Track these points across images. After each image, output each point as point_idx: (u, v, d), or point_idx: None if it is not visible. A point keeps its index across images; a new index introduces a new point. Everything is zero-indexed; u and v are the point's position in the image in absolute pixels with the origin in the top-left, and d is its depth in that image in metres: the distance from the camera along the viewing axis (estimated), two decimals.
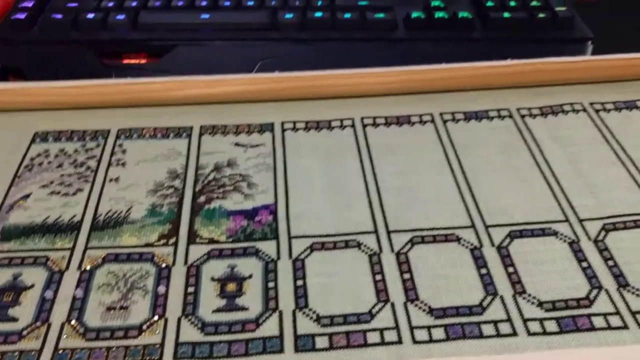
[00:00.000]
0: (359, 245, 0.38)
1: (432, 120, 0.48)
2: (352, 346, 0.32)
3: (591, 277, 0.36)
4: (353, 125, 0.48)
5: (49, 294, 0.35)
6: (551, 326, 0.34)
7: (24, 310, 0.34)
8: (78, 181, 0.43)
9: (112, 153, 0.45)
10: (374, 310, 0.34)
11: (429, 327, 0.33)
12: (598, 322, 0.34)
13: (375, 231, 0.39)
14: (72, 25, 0.53)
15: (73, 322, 0.34)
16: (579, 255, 0.38)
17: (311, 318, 0.34)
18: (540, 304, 0.35)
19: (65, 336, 0.33)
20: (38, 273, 0.36)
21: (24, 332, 0.33)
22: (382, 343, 0.33)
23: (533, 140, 0.47)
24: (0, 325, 0.33)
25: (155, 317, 0.34)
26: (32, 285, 0.36)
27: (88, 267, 0.37)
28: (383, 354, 0.32)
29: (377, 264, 0.37)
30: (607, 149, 0.46)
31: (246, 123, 0.48)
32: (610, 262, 0.37)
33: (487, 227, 0.39)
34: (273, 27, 0.54)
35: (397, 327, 0.33)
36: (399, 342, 0.33)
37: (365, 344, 0.33)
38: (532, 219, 0.40)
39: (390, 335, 0.33)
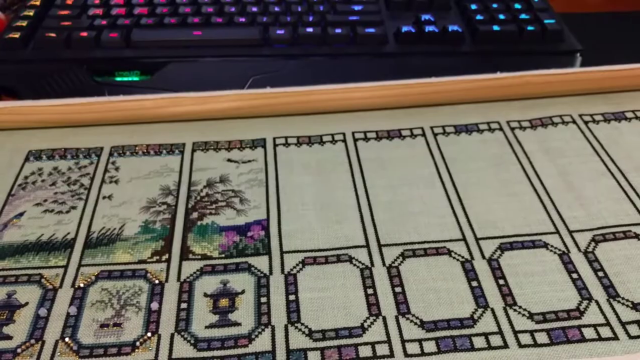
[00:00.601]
0: (350, 259, 0.38)
1: (423, 134, 0.49)
2: None
3: (581, 288, 0.37)
4: (344, 140, 0.48)
5: (42, 312, 0.35)
6: (542, 338, 0.34)
7: (18, 328, 0.34)
8: (71, 199, 0.43)
9: (105, 170, 0.45)
10: (365, 324, 0.35)
11: (420, 340, 0.34)
12: (588, 333, 0.34)
13: (367, 245, 0.39)
14: (65, 43, 0.54)
15: (67, 339, 0.34)
16: (569, 266, 0.38)
17: (303, 332, 0.34)
18: (531, 316, 0.35)
19: (59, 354, 0.33)
20: (32, 291, 0.36)
21: (18, 350, 0.33)
22: (374, 357, 0.33)
23: (523, 153, 0.47)
24: None
25: (149, 334, 0.34)
26: (26, 303, 0.36)
27: (82, 285, 0.37)
28: None
29: (369, 278, 0.37)
30: (596, 160, 0.46)
31: (238, 139, 0.48)
32: (601, 273, 0.38)
33: (477, 239, 0.40)
34: (265, 43, 0.55)
35: (388, 341, 0.34)
36: (391, 355, 0.33)
37: (357, 358, 0.33)
38: (523, 231, 0.40)
39: (382, 349, 0.33)
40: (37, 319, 0.35)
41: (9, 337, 0.34)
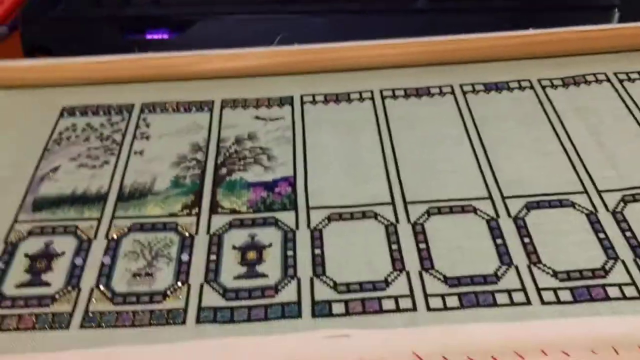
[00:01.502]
0: (375, 216, 0.39)
1: (452, 92, 0.48)
2: (367, 312, 0.33)
3: (608, 248, 0.36)
4: (372, 98, 0.48)
5: (78, 261, 0.37)
6: (565, 295, 0.34)
7: (56, 276, 0.36)
8: (104, 154, 0.44)
9: (137, 127, 0.46)
10: (389, 279, 0.35)
11: (443, 295, 0.34)
12: (613, 292, 0.34)
13: (392, 202, 0.40)
14: (96, 1, 0.54)
15: (102, 287, 0.35)
16: (596, 226, 0.38)
17: (328, 285, 0.35)
18: (555, 274, 0.35)
19: (94, 300, 0.34)
20: (68, 241, 0.38)
21: (57, 296, 0.35)
22: (397, 310, 0.34)
23: (554, 112, 0.46)
24: (35, 289, 0.35)
25: (179, 283, 0.35)
26: (63, 253, 0.37)
27: (115, 236, 0.38)
28: (398, 321, 0.33)
29: (394, 234, 0.38)
30: (630, 120, 0.45)
31: (266, 97, 0.48)
32: (628, 233, 0.37)
33: (504, 198, 0.40)
34: (293, 1, 0.55)
35: (411, 295, 0.34)
36: (414, 309, 0.34)
37: (381, 311, 0.33)
38: (550, 191, 0.40)
39: (405, 303, 0.34)
40: (73, 268, 0.36)
41: (47, 284, 0.35)
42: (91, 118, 0.47)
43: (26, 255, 0.37)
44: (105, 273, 0.36)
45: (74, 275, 0.36)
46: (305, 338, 0.30)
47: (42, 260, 0.37)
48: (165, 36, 0.54)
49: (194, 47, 0.51)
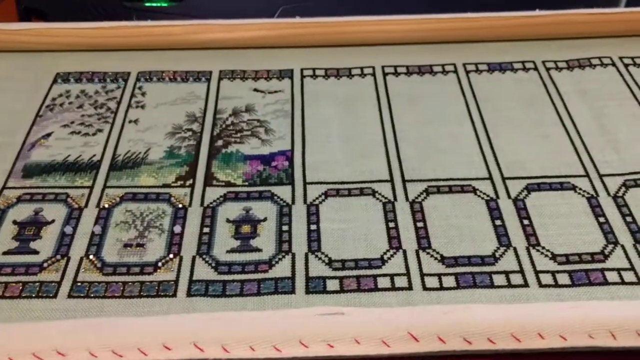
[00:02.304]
0: (373, 193, 0.38)
1: (455, 71, 0.47)
2: (362, 290, 0.33)
3: (608, 232, 0.36)
4: (374, 74, 0.47)
5: (68, 230, 0.36)
6: (563, 279, 0.34)
7: (45, 244, 0.35)
8: (98, 122, 0.43)
9: (132, 95, 0.45)
10: (385, 257, 0.34)
11: (439, 275, 0.34)
12: (611, 276, 0.34)
13: (391, 180, 0.39)
14: None
15: (91, 256, 0.34)
16: (596, 210, 0.37)
17: (323, 261, 0.34)
18: (554, 257, 0.35)
19: (83, 270, 0.34)
20: (58, 209, 0.37)
21: (45, 265, 0.34)
22: (393, 288, 0.33)
23: (557, 94, 0.46)
24: (22, 257, 0.34)
25: (171, 255, 0.35)
26: (53, 221, 0.36)
27: (106, 205, 0.37)
28: (392, 299, 0.32)
29: (391, 212, 0.37)
30: (634, 104, 0.45)
31: (265, 69, 0.47)
32: (629, 218, 0.37)
33: (504, 179, 0.39)
34: None
35: (408, 274, 0.34)
36: (409, 288, 0.33)
37: (376, 289, 0.33)
38: (551, 173, 0.39)
39: (401, 282, 0.33)
40: (62, 236, 0.36)
41: (35, 252, 0.35)
42: (85, 85, 0.46)
43: (15, 222, 0.36)
44: (96, 243, 0.35)
45: (63, 244, 0.35)
46: (299, 315, 0.30)
47: (30, 228, 0.36)
48: (164, 4, 0.52)
49: (193, 16, 0.50)
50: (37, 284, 0.33)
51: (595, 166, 0.40)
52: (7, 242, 0.35)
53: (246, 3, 0.52)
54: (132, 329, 0.30)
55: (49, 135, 0.42)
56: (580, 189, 0.38)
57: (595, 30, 0.50)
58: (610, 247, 0.35)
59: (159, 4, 0.53)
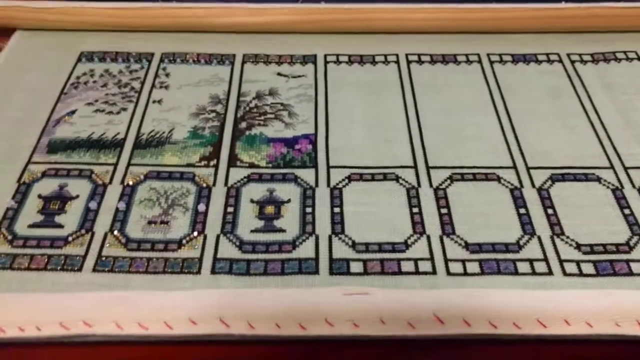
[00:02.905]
0: (397, 178, 0.38)
1: (479, 61, 0.47)
2: (386, 273, 0.33)
3: (633, 224, 0.36)
4: (397, 62, 0.47)
5: (93, 205, 0.36)
6: (588, 268, 0.33)
7: (69, 219, 0.35)
8: (122, 101, 0.43)
9: (156, 76, 0.45)
10: (409, 241, 0.34)
11: (463, 261, 0.34)
12: (637, 267, 0.33)
13: (415, 166, 0.39)
14: None
15: (116, 232, 0.35)
16: (621, 202, 0.37)
17: (347, 244, 0.34)
18: (578, 247, 0.34)
19: (108, 245, 0.34)
20: (83, 185, 0.37)
21: (70, 239, 0.34)
22: (416, 272, 0.33)
23: (582, 86, 0.45)
24: (48, 230, 0.35)
25: (195, 233, 0.35)
26: (77, 196, 0.36)
27: (130, 183, 0.37)
28: (416, 283, 0.32)
29: (415, 198, 0.37)
30: None
31: (289, 53, 0.47)
32: None
33: (528, 168, 0.39)
34: None
35: (432, 259, 0.34)
36: (433, 272, 0.33)
37: (400, 272, 0.33)
38: (576, 164, 0.39)
39: (425, 266, 0.33)
40: (87, 212, 0.36)
41: (60, 226, 0.35)
42: (110, 64, 0.46)
43: (39, 196, 0.36)
44: (120, 219, 0.35)
45: (88, 219, 0.35)
46: (325, 293, 0.30)
47: (55, 202, 0.36)
48: None
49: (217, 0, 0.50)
50: (62, 257, 0.33)
51: (620, 158, 0.40)
52: (33, 215, 0.35)
53: None
54: (158, 303, 0.30)
55: (73, 112, 0.42)
56: (605, 180, 0.38)
57: (621, 25, 0.50)
58: (636, 238, 0.35)
59: None
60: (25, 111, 0.42)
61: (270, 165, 0.39)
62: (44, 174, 0.38)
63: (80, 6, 0.48)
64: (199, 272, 0.33)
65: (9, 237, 0.34)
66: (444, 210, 0.36)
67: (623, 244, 0.35)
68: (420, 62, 0.47)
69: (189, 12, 0.48)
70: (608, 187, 0.38)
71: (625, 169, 0.39)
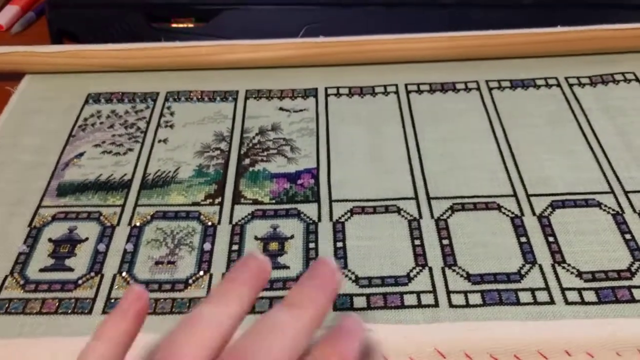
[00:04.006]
0: (398, 210, 0.39)
1: (478, 88, 0.48)
2: (389, 307, 0.33)
3: (634, 249, 0.36)
4: (397, 92, 0.48)
5: (101, 247, 0.37)
6: (590, 296, 0.34)
7: (79, 261, 0.36)
8: (128, 141, 0.44)
9: (161, 115, 0.46)
10: (411, 274, 0.35)
11: (466, 292, 0.34)
12: (639, 294, 0.34)
13: (416, 197, 0.39)
14: None
15: (124, 274, 0.35)
16: (622, 227, 0.37)
17: (350, 278, 0.35)
18: (580, 274, 0.35)
19: (116, 287, 0.35)
20: (91, 227, 0.38)
21: (79, 282, 0.35)
22: (419, 305, 0.33)
23: (581, 110, 0.46)
24: (58, 274, 0.35)
25: (201, 272, 0.35)
26: (87, 239, 0.37)
27: (138, 223, 0.38)
28: (419, 316, 0.33)
29: (417, 230, 0.37)
30: None
31: (290, 88, 0.48)
32: None
33: (529, 196, 0.39)
34: None
35: (434, 291, 0.34)
36: (436, 305, 0.33)
37: (402, 306, 0.33)
38: (576, 190, 0.40)
39: (427, 299, 0.34)
40: (96, 254, 0.37)
41: (70, 269, 0.36)
42: (116, 105, 0.47)
43: (50, 240, 0.37)
44: (128, 260, 0.36)
45: (97, 262, 0.36)
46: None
47: (65, 245, 0.37)
48: (191, 25, 0.54)
49: (219, 37, 0.51)
50: (73, 300, 0.34)
51: (620, 182, 0.40)
52: (44, 259, 0.36)
53: (270, 23, 0.53)
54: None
55: (81, 154, 0.43)
56: (605, 205, 0.39)
57: (618, 46, 0.50)
58: (637, 264, 0.35)
59: (185, 25, 0.54)
60: (35, 154, 0.43)
61: (273, 201, 0.40)
62: (54, 218, 0.39)
63: (87, 49, 0.49)
64: None
65: (21, 282, 0.35)
66: (445, 242, 0.37)
67: (624, 270, 0.35)
68: (419, 91, 0.48)
69: (191, 51, 0.49)
70: (608, 212, 0.38)
71: (626, 193, 0.39)
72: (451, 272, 0.35)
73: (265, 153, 0.43)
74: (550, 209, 0.38)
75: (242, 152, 0.43)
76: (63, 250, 0.37)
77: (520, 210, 0.38)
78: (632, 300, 0.33)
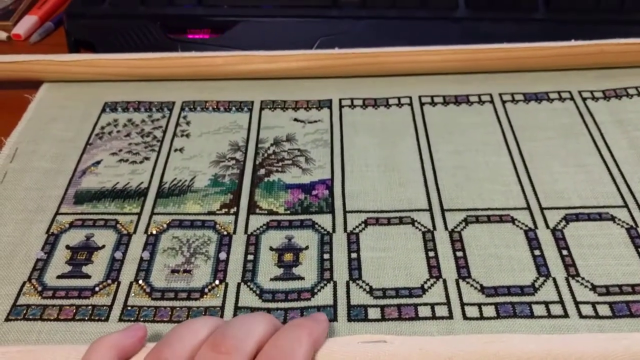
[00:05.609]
0: (413, 222, 0.39)
1: (491, 101, 0.48)
2: (403, 318, 0.33)
3: None
4: (411, 104, 0.48)
5: (118, 255, 0.37)
6: (604, 310, 0.34)
7: (96, 269, 0.37)
8: (145, 150, 0.45)
9: (177, 124, 0.47)
10: (426, 285, 0.35)
11: (479, 305, 0.34)
12: None
13: (430, 209, 0.40)
14: (140, 0, 0.55)
15: (140, 281, 0.36)
16: (636, 241, 0.37)
17: (364, 290, 0.35)
18: (594, 288, 0.35)
19: (133, 294, 0.35)
20: (108, 235, 0.39)
21: (97, 289, 0.35)
22: (433, 317, 0.34)
23: (594, 124, 0.46)
24: (75, 281, 0.36)
25: (217, 282, 0.36)
26: (103, 246, 0.38)
27: (154, 232, 0.39)
28: (433, 328, 0.33)
29: (431, 241, 0.38)
30: None
31: (305, 99, 0.49)
32: None
33: (542, 209, 0.39)
34: (334, 5, 0.55)
35: (448, 303, 0.34)
36: (450, 317, 0.34)
37: (417, 317, 0.34)
38: (589, 203, 0.40)
39: (441, 311, 0.34)
40: (113, 261, 0.37)
41: (87, 276, 0.36)
42: (132, 114, 0.48)
43: (67, 247, 0.38)
44: (144, 268, 0.37)
45: (114, 269, 0.37)
46: (342, 342, 0.30)
47: (83, 252, 0.38)
48: (207, 36, 0.54)
49: (234, 48, 0.51)
50: (90, 307, 0.34)
51: (634, 196, 0.40)
52: (61, 266, 0.37)
53: (285, 34, 0.54)
54: None
55: (98, 162, 0.44)
56: (619, 219, 0.39)
57: (632, 60, 0.50)
58: None
59: (201, 36, 0.55)
60: (53, 162, 0.44)
61: (288, 211, 0.40)
62: (72, 225, 0.39)
63: (104, 58, 0.50)
64: None
65: (39, 289, 0.35)
66: (459, 254, 0.37)
67: (639, 285, 0.35)
68: (433, 103, 0.48)
69: (207, 61, 0.50)
70: (622, 226, 0.38)
71: (639, 206, 0.39)
72: (465, 285, 0.35)
73: (280, 164, 0.43)
74: (564, 222, 0.39)
75: (257, 162, 0.43)
76: (80, 257, 0.37)
77: (534, 223, 0.39)
78: None
